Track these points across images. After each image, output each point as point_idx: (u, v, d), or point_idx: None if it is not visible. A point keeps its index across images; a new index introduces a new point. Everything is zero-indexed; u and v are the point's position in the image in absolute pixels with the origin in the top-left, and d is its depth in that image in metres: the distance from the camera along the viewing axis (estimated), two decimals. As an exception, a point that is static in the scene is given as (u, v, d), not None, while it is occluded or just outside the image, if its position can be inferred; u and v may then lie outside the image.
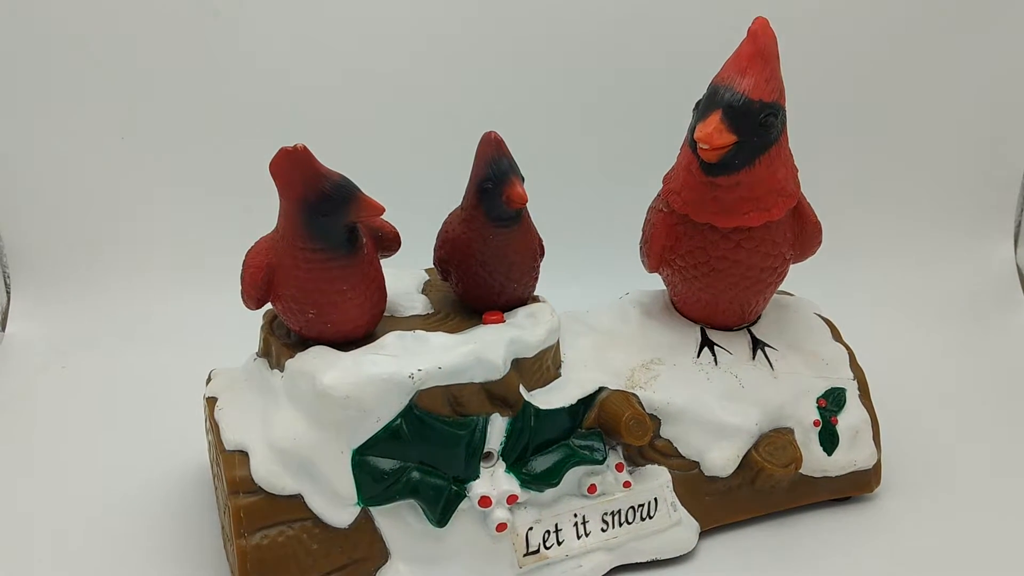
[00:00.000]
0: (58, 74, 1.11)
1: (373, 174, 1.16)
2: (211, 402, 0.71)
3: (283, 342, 0.69)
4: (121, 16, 1.10)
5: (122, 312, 1.11)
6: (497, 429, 0.68)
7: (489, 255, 0.71)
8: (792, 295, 0.87)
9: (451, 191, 0.76)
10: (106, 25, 1.10)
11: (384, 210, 0.64)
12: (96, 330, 1.09)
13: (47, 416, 0.95)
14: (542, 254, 0.76)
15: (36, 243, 1.14)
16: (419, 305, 0.75)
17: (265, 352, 0.72)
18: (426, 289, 0.79)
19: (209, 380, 0.75)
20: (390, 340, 0.67)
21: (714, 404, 0.75)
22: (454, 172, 0.77)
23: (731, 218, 0.71)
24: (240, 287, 0.67)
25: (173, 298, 1.12)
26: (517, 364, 0.69)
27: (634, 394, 0.73)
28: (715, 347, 0.79)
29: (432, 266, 0.77)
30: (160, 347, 1.05)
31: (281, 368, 0.68)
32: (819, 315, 0.85)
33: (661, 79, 1.18)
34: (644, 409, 0.73)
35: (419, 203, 1.06)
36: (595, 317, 0.83)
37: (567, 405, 0.71)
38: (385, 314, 0.73)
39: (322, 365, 0.65)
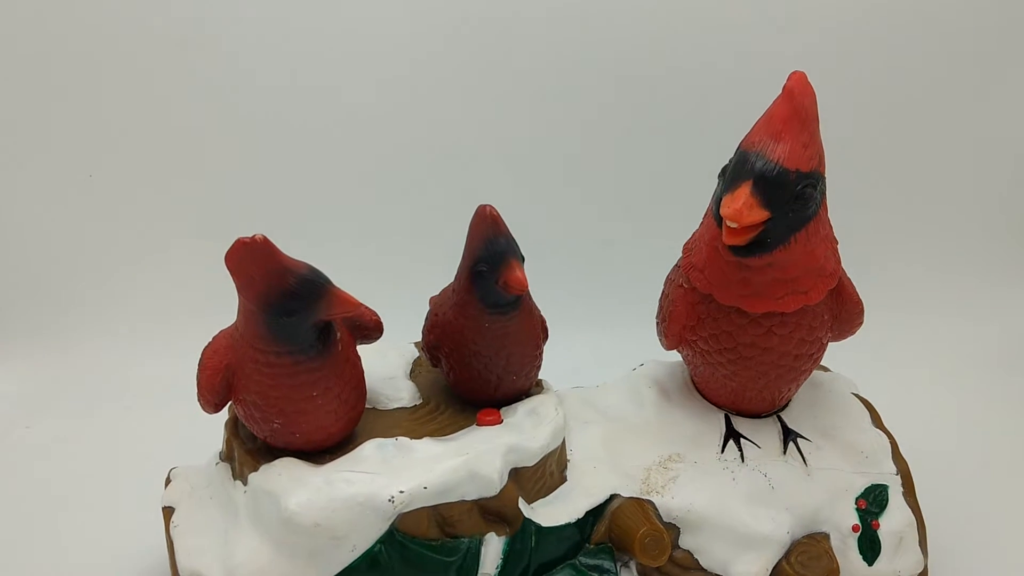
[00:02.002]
0: (31, 128, 1.05)
1: (360, 235, 1.10)
2: (167, 513, 0.62)
3: (247, 447, 0.60)
4: (98, 73, 1.05)
5: (93, 373, 1.03)
6: (493, 551, 0.60)
7: (484, 345, 0.62)
8: (827, 371, 0.78)
9: (447, 253, 0.67)
10: (79, 79, 1.05)
11: (359, 306, 0.54)
12: (65, 390, 1.00)
13: (4, 481, 0.87)
14: (545, 337, 0.66)
15: (4, 297, 1.06)
16: (405, 395, 0.67)
17: (228, 456, 0.63)
18: (415, 370, 0.70)
19: (168, 482, 0.65)
20: (368, 452, 0.58)
21: (740, 509, 0.66)
22: (450, 232, 0.68)
23: (762, 302, 0.61)
24: (196, 390, 0.57)
25: (146, 361, 1.04)
26: (516, 474, 0.60)
27: (650, 502, 0.64)
28: (741, 439, 0.69)
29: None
30: (130, 412, 0.96)
31: (244, 481, 0.59)
32: (857, 395, 0.75)
33: (678, 116, 1.10)
34: (661, 519, 0.63)
35: (411, 267, 0.99)
36: (605, 397, 0.74)
37: (573, 520, 0.61)
38: (366, 405, 0.64)
39: (288, 485, 0.56)
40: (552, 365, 0.73)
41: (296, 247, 0.93)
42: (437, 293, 0.68)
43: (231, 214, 1.08)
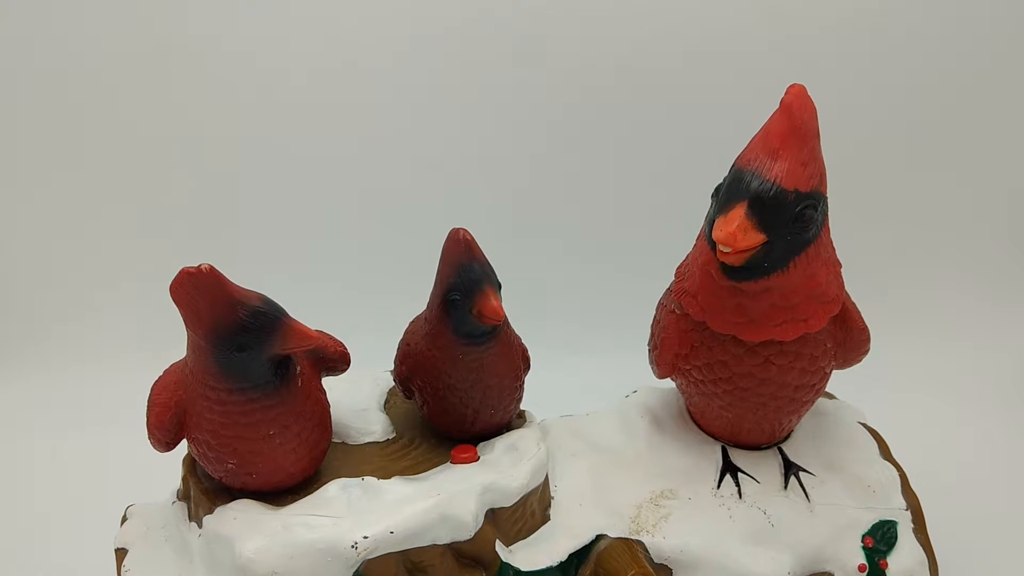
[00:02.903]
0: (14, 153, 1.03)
1: (335, 254, 1.06)
2: (120, 556, 0.58)
3: (203, 487, 0.56)
4: (75, 98, 1.02)
5: (60, 399, 0.99)
6: (467, 597, 0.55)
7: (459, 378, 0.57)
8: (833, 398, 0.73)
9: (427, 273, 0.62)
10: (59, 107, 1.03)
11: (318, 338, 0.50)
12: (29, 417, 0.96)
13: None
14: (527, 368, 0.62)
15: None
16: (377, 428, 0.62)
17: (185, 495, 0.59)
18: (390, 401, 0.66)
19: (124, 520, 0.61)
20: (332, 493, 0.54)
21: (738, 549, 0.62)
22: (430, 251, 0.63)
23: (759, 330, 0.57)
24: (146, 428, 0.53)
25: (115, 387, 0.99)
26: (493, 514, 0.56)
27: (639, 542, 0.60)
28: (739, 474, 0.65)
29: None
30: (98, 440, 0.92)
31: (199, 523, 0.55)
32: (864, 425, 0.71)
33: (670, 132, 1.05)
34: (652, 560, 0.59)
35: (389, 288, 0.94)
36: (595, 427, 0.70)
37: (556, 563, 0.57)
38: (335, 439, 0.60)
39: (244, 529, 0.52)
40: (540, 391, 0.69)
41: (269, 268, 0.91)
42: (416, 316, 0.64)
43: (202, 239, 1.05)
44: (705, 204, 0.59)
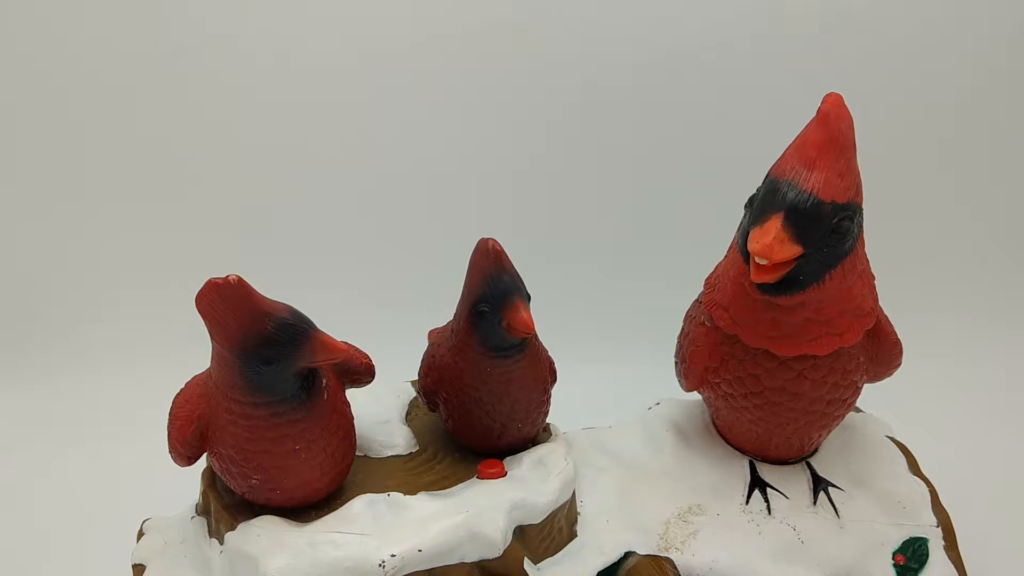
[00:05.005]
0: (14, 161, 1.02)
1: (355, 262, 1.04)
2: (137, 572, 0.57)
3: (224, 502, 0.55)
4: (86, 105, 1.02)
5: (71, 408, 0.97)
6: (494, 616, 0.53)
7: (486, 391, 0.56)
8: (860, 411, 0.72)
9: (449, 280, 0.61)
10: (70, 114, 1.02)
11: (346, 351, 0.49)
12: (40, 427, 0.94)
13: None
14: (553, 380, 0.61)
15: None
16: (400, 441, 0.61)
17: (204, 510, 0.57)
18: (411, 413, 0.65)
19: (140, 535, 0.60)
20: (358, 509, 0.53)
21: (767, 567, 0.60)
22: (452, 258, 0.62)
23: (793, 345, 0.56)
24: (167, 442, 0.52)
25: (129, 396, 0.98)
26: (521, 532, 0.54)
27: (668, 559, 0.59)
28: (768, 489, 0.63)
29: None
30: (110, 451, 0.90)
31: (220, 539, 0.54)
32: (892, 439, 0.70)
33: (700, 139, 1.04)
34: (681, 580, 0.57)
35: (409, 296, 0.93)
36: (619, 440, 0.68)
37: (585, 581, 0.56)
38: (357, 453, 0.59)
39: (268, 547, 0.50)
40: (559, 401, 0.68)
41: (288, 272, 0.89)
42: (438, 325, 0.63)
43: (218, 245, 1.04)
44: (732, 212, 0.58)
